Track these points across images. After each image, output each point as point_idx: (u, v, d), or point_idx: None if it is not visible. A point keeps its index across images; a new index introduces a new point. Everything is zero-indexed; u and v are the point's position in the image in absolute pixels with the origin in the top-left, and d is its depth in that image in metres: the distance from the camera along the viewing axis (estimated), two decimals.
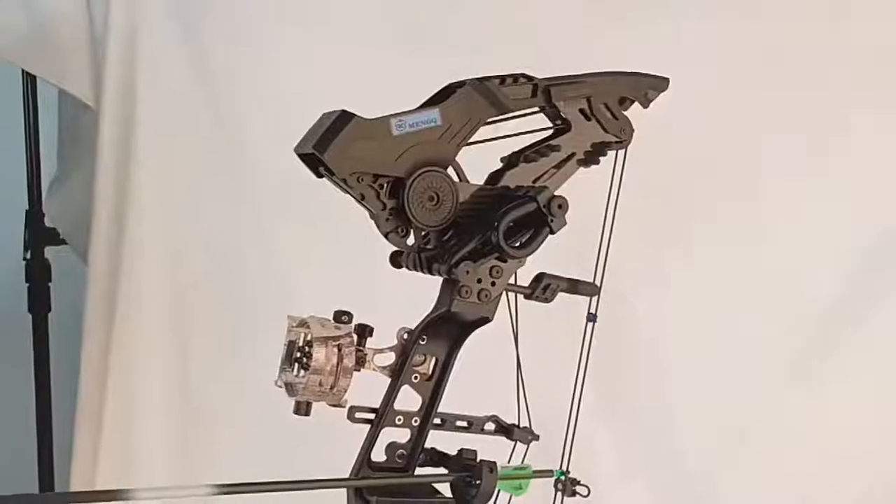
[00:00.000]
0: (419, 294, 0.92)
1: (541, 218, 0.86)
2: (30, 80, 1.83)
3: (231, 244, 1.60)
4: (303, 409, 0.83)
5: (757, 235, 1.68)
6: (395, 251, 0.92)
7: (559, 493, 0.96)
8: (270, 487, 0.80)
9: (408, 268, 0.91)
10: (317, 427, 0.93)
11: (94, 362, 1.56)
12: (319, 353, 0.81)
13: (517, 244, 0.87)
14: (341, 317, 0.85)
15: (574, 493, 0.97)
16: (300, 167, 0.90)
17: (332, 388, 0.82)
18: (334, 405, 0.84)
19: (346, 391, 0.83)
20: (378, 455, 0.90)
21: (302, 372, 0.82)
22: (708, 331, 1.68)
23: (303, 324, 0.84)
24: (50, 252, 1.86)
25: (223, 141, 1.60)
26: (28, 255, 1.85)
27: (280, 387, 0.85)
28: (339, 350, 0.82)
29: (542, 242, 0.86)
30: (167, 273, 1.58)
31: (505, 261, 0.88)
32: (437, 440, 0.94)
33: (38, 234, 1.84)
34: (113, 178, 1.58)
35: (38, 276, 1.85)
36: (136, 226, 1.57)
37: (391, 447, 0.90)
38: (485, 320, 0.90)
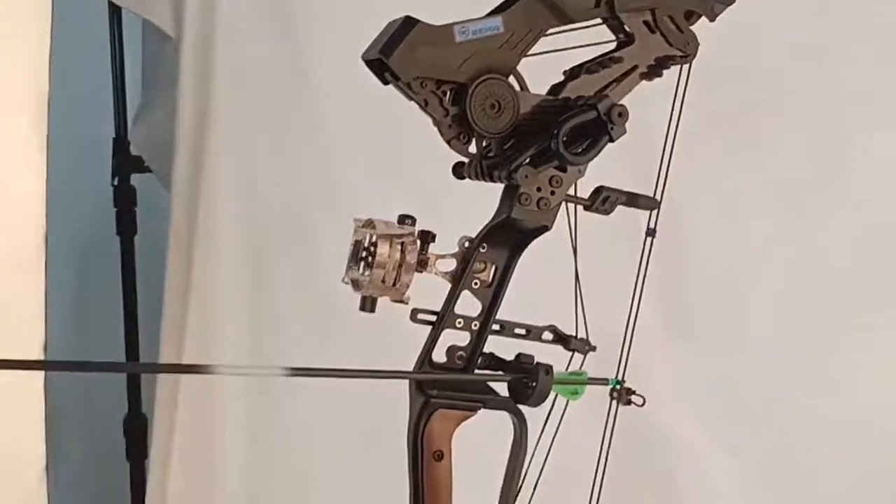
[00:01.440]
0: (481, 207, 0.94)
1: (601, 126, 0.86)
2: (116, 11, 1.90)
3: (303, 166, 1.66)
4: (368, 305, 0.87)
5: (837, 154, 1.66)
6: (458, 163, 0.94)
7: (614, 402, 0.99)
8: (340, 374, 0.85)
9: (470, 178, 0.94)
10: (381, 328, 0.98)
11: (178, 281, 1.65)
12: (383, 249, 0.85)
13: (576, 151, 0.88)
14: (405, 219, 0.88)
15: (629, 402, 0.99)
16: (372, 89, 0.92)
17: (394, 283, 0.85)
18: (397, 301, 0.87)
19: (408, 287, 0.86)
20: (439, 357, 0.94)
21: (367, 270, 0.86)
22: (778, 249, 1.66)
23: (368, 224, 0.87)
24: (136, 178, 1.94)
25: (300, 71, 1.65)
26: (115, 182, 1.94)
27: (346, 283, 0.89)
28: (403, 247, 0.85)
29: (601, 149, 0.87)
30: (243, 196, 1.65)
31: (565, 170, 0.90)
32: (496, 347, 0.97)
33: (125, 162, 1.93)
34: (192, 107, 1.64)
35: (124, 202, 1.94)
36: (214, 154, 1.64)
37: (451, 349, 0.93)
38: (544, 228, 0.91)
